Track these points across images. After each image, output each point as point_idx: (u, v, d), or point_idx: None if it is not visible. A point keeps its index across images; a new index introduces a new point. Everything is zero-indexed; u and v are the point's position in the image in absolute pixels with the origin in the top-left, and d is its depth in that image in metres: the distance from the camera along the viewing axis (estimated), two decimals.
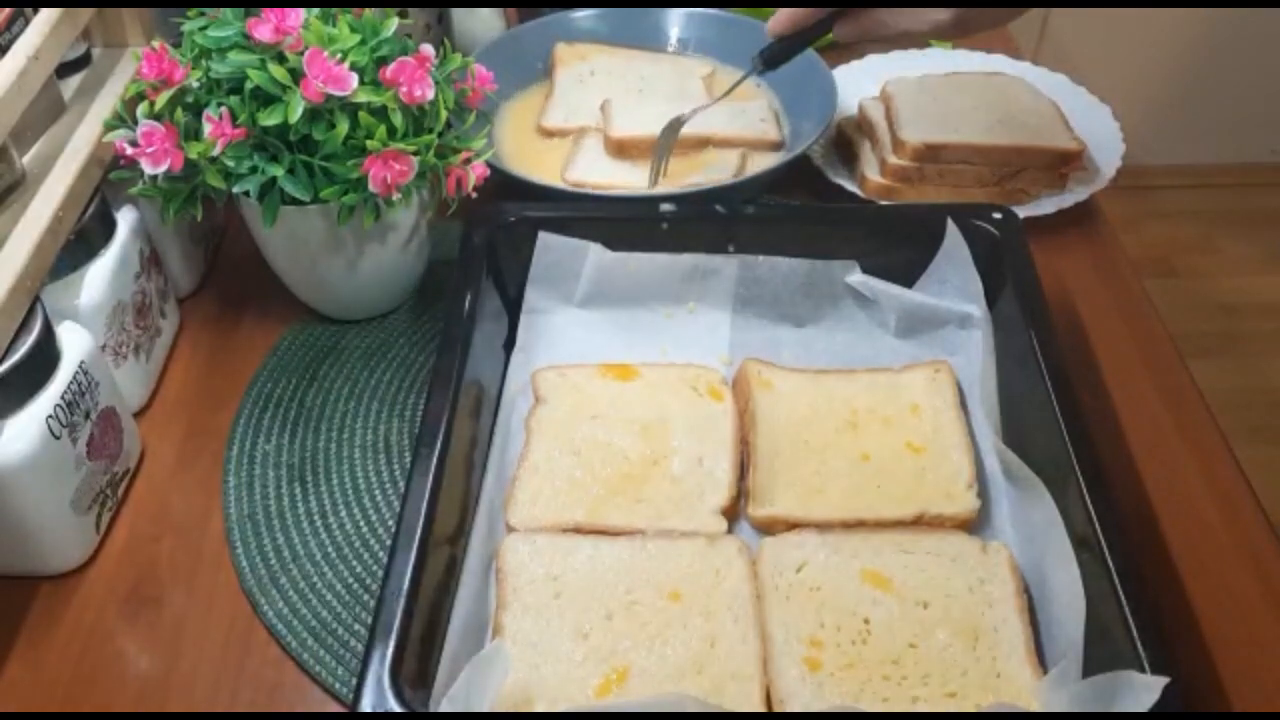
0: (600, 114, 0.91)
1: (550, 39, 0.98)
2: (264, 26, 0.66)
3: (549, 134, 0.91)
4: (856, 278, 0.74)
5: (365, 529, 0.67)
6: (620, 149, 0.87)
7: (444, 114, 0.71)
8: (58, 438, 0.61)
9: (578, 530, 0.63)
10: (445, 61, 0.72)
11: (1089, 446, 0.59)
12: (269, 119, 0.66)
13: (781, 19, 0.75)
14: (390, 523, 0.67)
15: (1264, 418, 1.79)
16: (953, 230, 0.72)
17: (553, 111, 0.92)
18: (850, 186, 0.87)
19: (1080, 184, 0.87)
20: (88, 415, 0.64)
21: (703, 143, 0.88)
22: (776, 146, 0.89)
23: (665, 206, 0.75)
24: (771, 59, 0.77)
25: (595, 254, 0.74)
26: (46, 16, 0.67)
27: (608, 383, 0.71)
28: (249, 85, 0.66)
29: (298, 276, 0.78)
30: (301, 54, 0.66)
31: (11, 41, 0.65)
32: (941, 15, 0.68)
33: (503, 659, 0.53)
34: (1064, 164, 0.85)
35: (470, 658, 0.54)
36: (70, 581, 0.65)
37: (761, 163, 0.87)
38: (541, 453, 0.67)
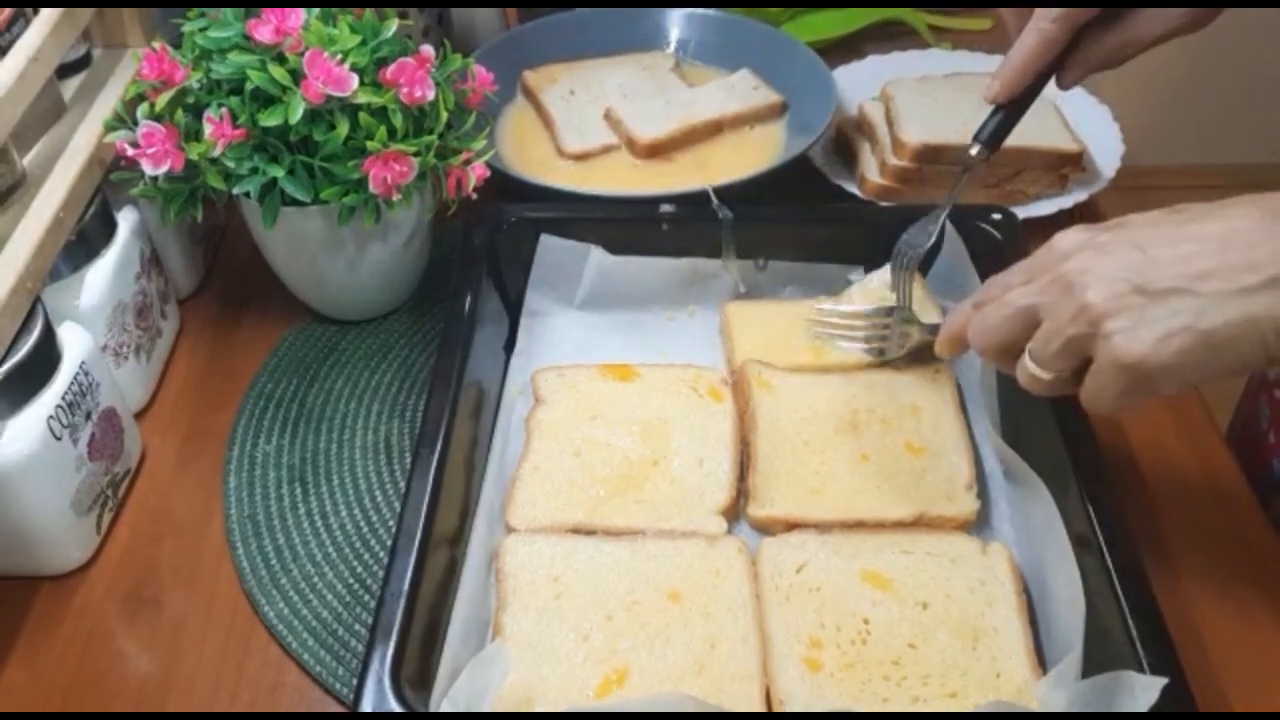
0: (610, 127, 0.91)
1: (550, 43, 0.98)
2: (264, 27, 0.66)
3: (574, 157, 0.89)
4: (857, 278, 0.74)
5: (365, 529, 0.67)
6: (652, 151, 0.88)
7: (444, 115, 0.71)
8: (58, 438, 0.61)
9: (578, 531, 0.63)
10: (445, 62, 0.72)
11: (1089, 446, 0.59)
12: (269, 120, 0.66)
13: (1010, 77, 0.62)
14: (390, 523, 0.67)
15: None
16: (952, 231, 0.72)
17: (567, 136, 0.90)
18: (850, 187, 0.87)
19: (1080, 184, 0.87)
20: (88, 416, 0.64)
21: (716, 128, 0.89)
22: (781, 110, 0.91)
23: (665, 207, 0.75)
24: (994, 136, 0.64)
25: (596, 257, 0.74)
26: (46, 17, 0.67)
27: (608, 383, 0.71)
28: (249, 86, 0.66)
29: (298, 277, 0.78)
30: (302, 55, 0.66)
31: (12, 42, 0.65)
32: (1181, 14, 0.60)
33: (503, 659, 0.54)
34: (1064, 164, 0.85)
35: (470, 658, 0.54)
36: (71, 582, 0.65)
37: (769, 133, 0.89)
38: (542, 453, 0.67)
